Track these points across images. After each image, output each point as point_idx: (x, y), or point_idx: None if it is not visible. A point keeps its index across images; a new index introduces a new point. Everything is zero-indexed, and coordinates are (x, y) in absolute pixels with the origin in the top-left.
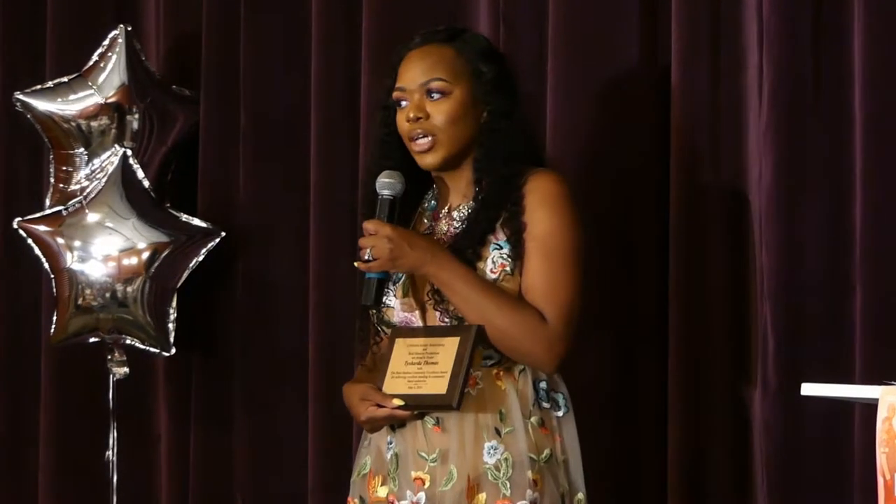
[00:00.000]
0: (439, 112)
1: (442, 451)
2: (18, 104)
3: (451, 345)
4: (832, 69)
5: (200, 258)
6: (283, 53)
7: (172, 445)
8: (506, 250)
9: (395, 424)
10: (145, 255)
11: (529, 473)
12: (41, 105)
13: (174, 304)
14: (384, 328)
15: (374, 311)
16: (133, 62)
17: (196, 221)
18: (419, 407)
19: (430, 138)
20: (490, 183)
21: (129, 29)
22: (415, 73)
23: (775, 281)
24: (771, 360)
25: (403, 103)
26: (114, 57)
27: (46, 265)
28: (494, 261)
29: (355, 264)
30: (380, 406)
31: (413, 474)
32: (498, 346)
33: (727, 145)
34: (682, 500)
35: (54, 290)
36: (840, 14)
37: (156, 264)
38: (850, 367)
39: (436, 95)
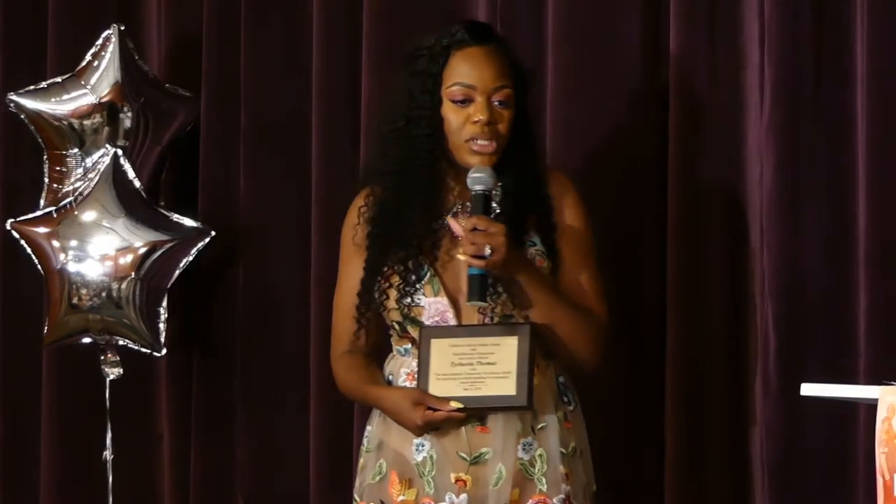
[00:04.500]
0: (504, 120)
1: (484, 451)
2: (12, 105)
3: (508, 344)
4: (834, 68)
5: (191, 258)
6: (283, 53)
7: (174, 445)
8: (539, 247)
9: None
10: (135, 255)
11: (561, 468)
12: (35, 105)
13: (165, 304)
14: (409, 327)
15: (406, 308)
16: (126, 61)
17: (187, 221)
18: (481, 409)
19: (494, 143)
20: (518, 186)
21: (122, 28)
22: (487, 75)
23: (777, 281)
24: (772, 361)
25: (463, 100)
26: (107, 56)
27: (39, 266)
28: (532, 257)
29: (460, 257)
30: (434, 409)
31: (453, 476)
32: (556, 347)
33: (727, 144)
34: (680, 502)
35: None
36: (842, 12)
37: (146, 264)
38: (852, 367)
39: (502, 103)
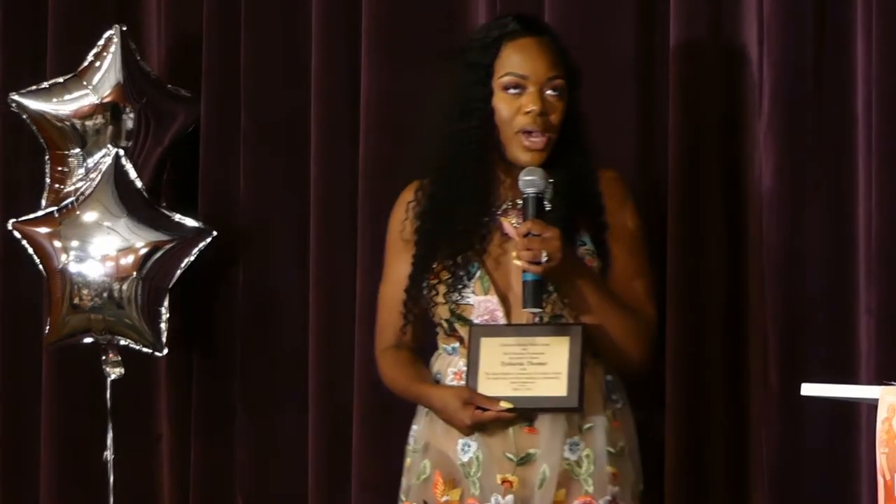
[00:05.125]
0: (556, 112)
1: (532, 452)
2: (14, 105)
3: (558, 345)
4: (833, 67)
5: (192, 258)
6: (283, 53)
7: (173, 445)
8: (589, 246)
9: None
10: (137, 255)
11: (609, 468)
12: (37, 105)
13: (166, 303)
14: (458, 325)
15: (455, 306)
16: (128, 61)
17: (188, 221)
18: (531, 409)
19: (545, 138)
20: (571, 185)
21: (125, 29)
22: (540, 66)
23: (777, 281)
24: (772, 361)
25: (514, 90)
26: (109, 56)
27: (40, 266)
28: (582, 257)
29: (517, 263)
30: (483, 409)
31: (499, 477)
32: (605, 348)
33: (727, 144)
34: (680, 502)
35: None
36: (842, 12)
37: (148, 264)
38: (853, 367)
39: (555, 94)
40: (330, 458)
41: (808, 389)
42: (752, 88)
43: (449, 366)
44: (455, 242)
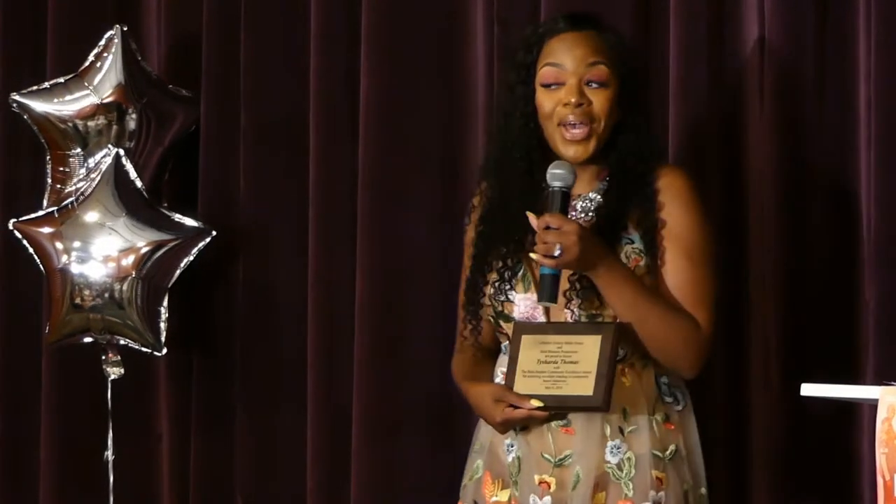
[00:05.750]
0: (600, 102)
1: (569, 454)
2: (15, 105)
3: (591, 343)
4: (834, 67)
5: (191, 258)
6: (283, 53)
7: (173, 445)
8: (637, 244)
9: (518, 426)
10: (137, 255)
11: (654, 472)
12: (38, 106)
13: (166, 303)
14: (502, 322)
15: (500, 305)
16: (129, 62)
17: (188, 221)
18: (560, 408)
19: (587, 128)
20: (623, 179)
21: (125, 29)
22: (578, 54)
23: (777, 280)
24: (772, 361)
25: (554, 84)
26: (110, 57)
27: (41, 266)
28: (627, 255)
29: (533, 256)
30: (515, 407)
31: (537, 478)
32: (650, 350)
33: (727, 144)
34: None
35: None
36: (842, 12)
37: (147, 264)
38: (853, 367)
39: (596, 84)
40: (330, 458)
41: (808, 389)
42: (752, 88)
43: (499, 366)
44: (505, 243)
